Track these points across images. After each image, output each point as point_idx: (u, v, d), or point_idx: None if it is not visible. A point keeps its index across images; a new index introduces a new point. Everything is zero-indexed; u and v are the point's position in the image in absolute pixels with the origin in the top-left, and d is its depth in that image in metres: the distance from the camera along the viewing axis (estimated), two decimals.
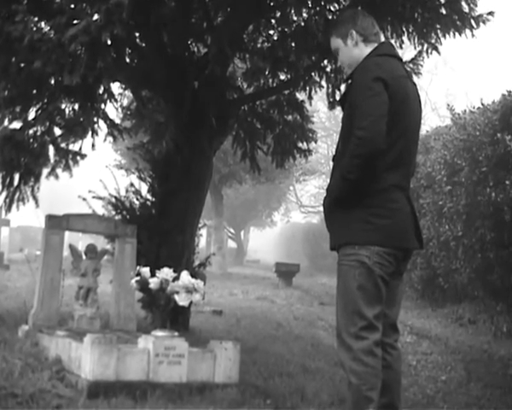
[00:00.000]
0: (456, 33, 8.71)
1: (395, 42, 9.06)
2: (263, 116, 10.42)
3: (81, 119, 9.16)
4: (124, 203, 9.39)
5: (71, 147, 9.50)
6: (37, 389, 4.99)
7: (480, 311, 12.96)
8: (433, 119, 50.77)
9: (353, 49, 4.60)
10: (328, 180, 4.63)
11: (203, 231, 12.52)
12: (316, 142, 11.60)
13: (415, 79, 9.71)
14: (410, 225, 4.39)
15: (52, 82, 8.13)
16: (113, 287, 7.73)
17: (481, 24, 8.63)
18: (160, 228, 8.88)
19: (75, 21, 6.65)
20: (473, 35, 8.73)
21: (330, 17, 8.79)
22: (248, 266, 35.86)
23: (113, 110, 11.75)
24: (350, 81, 4.52)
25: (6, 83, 7.77)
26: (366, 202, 4.24)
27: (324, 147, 53.21)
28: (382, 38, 4.89)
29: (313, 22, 8.72)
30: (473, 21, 8.59)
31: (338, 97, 9.63)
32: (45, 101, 8.60)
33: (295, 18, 9.09)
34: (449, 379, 8.34)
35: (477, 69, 79.31)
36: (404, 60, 9.27)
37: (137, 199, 9.47)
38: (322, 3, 8.67)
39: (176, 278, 5.68)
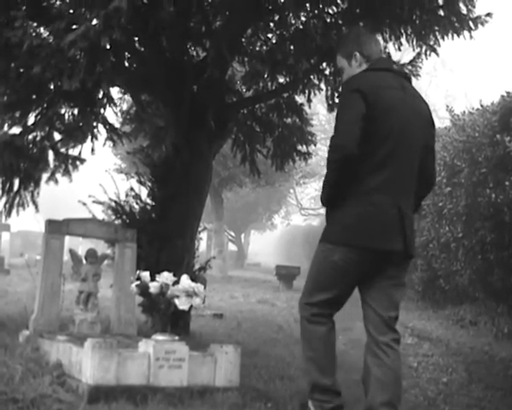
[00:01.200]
0: (455, 35, 8.71)
1: (393, 44, 9.07)
2: (262, 119, 10.43)
3: (80, 123, 9.18)
4: (124, 208, 9.39)
5: (70, 152, 9.53)
6: (37, 394, 4.98)
7: (480, 312, 12.96)
8: None
9: (357, 70, 4.94)
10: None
11: (203, 235, 12.55)
12: (315, 144, 11.61)
13: (413, 81, 9.72)
14: (391, 228, 4.61)
15: (51, 87, 8.15)
16: (114, 291, 7.73)
17: (479, 25, 8.65)
18: (160, 232, 8.89)
19: (74, 26, 6.66)
20: (471, 36, 8.73)
21: (329, 20, 8.80)
22: (249, 270, 35.88)
23: (112, 115, 11.79)
24: None
25: (5, 88, 7.80)
26: (347, 203, 4.60)
27: (324, 149, 52.99)
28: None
29: (311, 25, 8.71)
30: (471, 23, 8.59)
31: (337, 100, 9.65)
32: (45, 106, 8.61)
33: (294, 21, 9.10)
34: (450, 381, 8.33)
35: (476, 71, 79.44)
36: (402, 62, 9.34)
37: (137, 203, 9.47)
38: (321, 6, 8.68)
39: (176, 282, 5.68)
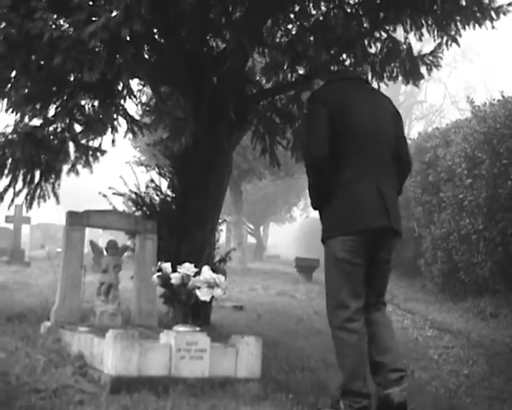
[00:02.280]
0: (476, 25, 8.66)
1: (414, 34, 9.03)
2: (282, 111, 10.39)
3: (101, 115, 9.20)
4: (144, 199, 9.41)
5: (91, 143, 9.54)
6: (60, 385, 5.00)
7: (501, 304, 12.90)
8: (452, 112, 50.60)
9: None
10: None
11: (223, 227, 12.56)
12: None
13: (434, 71, 9.70)
14: (375, 209, 5.08)
15: (72, 79, 8.17)
16: (134, 283, 7.75)
17: (501, 15, 8.58)
18: (180, 224, 8.90)
19: (94, 18, 6.67)
20: (493, 26, 8.66)
21: (349, 10, 8.76)
22: (268, 262, 35.79)
23: (132, 106, 11.80)
24: None
25: (26, 80, 7.81)
26: (332, 199, 5.11)
27: None
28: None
29: (332, 16, 8.69)
30: (493, 12, 8.53)
31: None
32: (65, 98, 8.63)
33: (314, 12, 9.06)
34: (471, 373, 8.31)
35: (496, 61, 78.81)
36: (423, 52, 9.29)
37: (157, 195, 9.49)
38: None
39: (197, 273, 5.68)
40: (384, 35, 9.17)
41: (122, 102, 9.47)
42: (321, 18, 8.94)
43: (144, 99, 11.66)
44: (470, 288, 14.59)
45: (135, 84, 10.73)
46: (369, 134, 5.22)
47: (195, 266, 5.76)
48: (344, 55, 9.44)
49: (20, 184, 9.02)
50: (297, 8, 9.10)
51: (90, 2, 7.02)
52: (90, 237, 9.50)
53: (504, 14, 8.57)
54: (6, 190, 8.99)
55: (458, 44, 9.11)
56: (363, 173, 5.11)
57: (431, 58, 9.46)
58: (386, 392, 4.97)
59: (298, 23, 9.30)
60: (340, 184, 5.08)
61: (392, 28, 9.14)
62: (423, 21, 8.80)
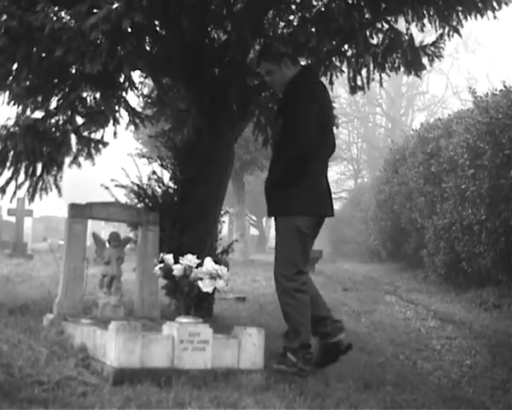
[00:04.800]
0: (478, 15, 8.62)
1: (416, 25, 8.99)
2: None
3: (102, 107, 9.19)
4: (146, 191, 9.39)
5: (93, 135, 9.54)
6: (62, 377, 4.99)
7: (504, 295, 12.91)
8: (454, 103, 50.58)
9: (287, 72, 6.41)
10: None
11: (225, 219, 12.55)
12: (337, 127, 11.55)
13: (436, 62, 9.68)
14: (327, 200, 6.35)
15: (73, 71, 8.17)
16: (137, 275, 7.74)
17: (503, 5, 8.54)
18: (182, 215, 8.89)
19: (95, 10, 6.66)
20: (495, 17, 8.63)
21: (350, 1, 8.73)
22: (270, 253, 35.63)
23: (134, 98, 11.78)
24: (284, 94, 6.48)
25: (27, 73, 7.80)
26: (300, 184, 6.04)
27: (345, 133, 53.24)
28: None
29: (334, 6, 8.66)
30: (495, 3, 8.49)
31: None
32: (67, 90, 8.64)
33: (315, 2, 9.02)
34: (474, 363, 8.31)
35: (499, 51, 78.71)
36: (425, 43, 9.28)
37: (159, 187, 9.47)
38: None
39: (199, 265, 5.68)
40: (386, 26, 9.12)
41: (124, 94, 9.45)
42: (322, 8, 8.91)
43: (146, 91, 11.63)
44: (473, 278, 14.60)
45: (136, 75, 10.72)
46: (328, 134, 6.37)
47: (198, 258, 5.76)
48: (346, 46, 9.40)
49: (22, 177, 9.04)
50: None
51: None
52: (92, 230, 9.49)
53: (506, 4, 8.53)
54: (8, 182, 9.00)
55: (460, 35, 9.06)
56: (322, 170, 6.30)
57: (433, 49, 9.41)
58: (336, 339, 6.20)
59: (299, 14, 9.26)
60: (308, 174, 6.06)
61: (393, 19, 9.10)
62: (425, 12, 8.75)
